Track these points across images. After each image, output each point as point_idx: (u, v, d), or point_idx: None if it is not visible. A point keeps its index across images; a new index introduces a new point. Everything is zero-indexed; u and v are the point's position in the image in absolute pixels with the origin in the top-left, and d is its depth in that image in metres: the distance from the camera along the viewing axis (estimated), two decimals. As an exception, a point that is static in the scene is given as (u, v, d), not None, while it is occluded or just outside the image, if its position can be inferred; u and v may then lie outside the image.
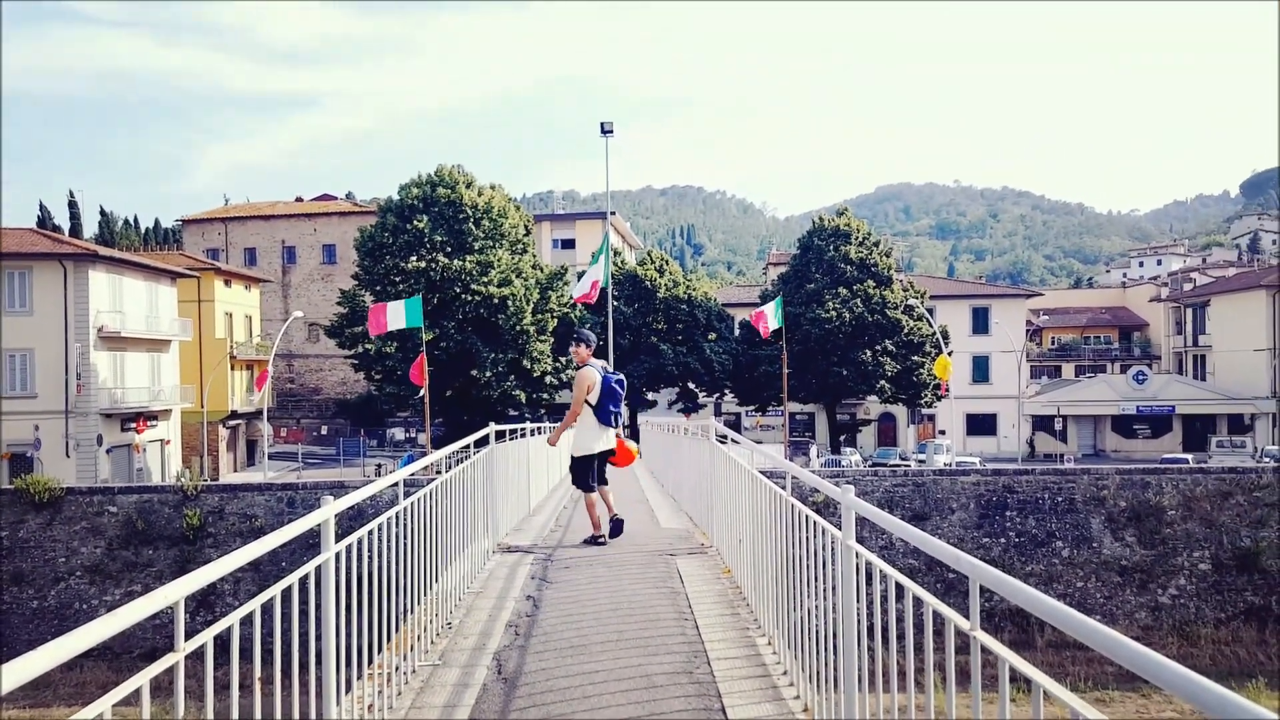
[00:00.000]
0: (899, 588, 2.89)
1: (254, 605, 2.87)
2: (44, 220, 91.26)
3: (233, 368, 50.90)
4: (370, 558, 4.01)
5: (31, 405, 37.01)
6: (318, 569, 3.34)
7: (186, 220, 74.97)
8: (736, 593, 6.17)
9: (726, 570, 6.87)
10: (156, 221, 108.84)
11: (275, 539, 2.93)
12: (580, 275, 50.53)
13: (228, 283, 53.14)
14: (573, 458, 8.79)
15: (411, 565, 4.94)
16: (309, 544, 3.48)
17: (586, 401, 8.60)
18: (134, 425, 40.16)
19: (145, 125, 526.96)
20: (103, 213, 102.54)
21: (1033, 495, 29.22)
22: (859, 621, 3.40)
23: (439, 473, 6.83)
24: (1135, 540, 28.67)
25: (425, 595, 5.34)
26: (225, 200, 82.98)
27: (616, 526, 8.65)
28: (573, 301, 35.90)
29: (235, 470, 51.14)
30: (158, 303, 42.90)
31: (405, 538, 4.86)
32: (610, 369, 9.02)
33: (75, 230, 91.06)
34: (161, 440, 43.04)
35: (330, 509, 3.32)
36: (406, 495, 4.74)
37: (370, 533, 4.10)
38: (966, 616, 2.43)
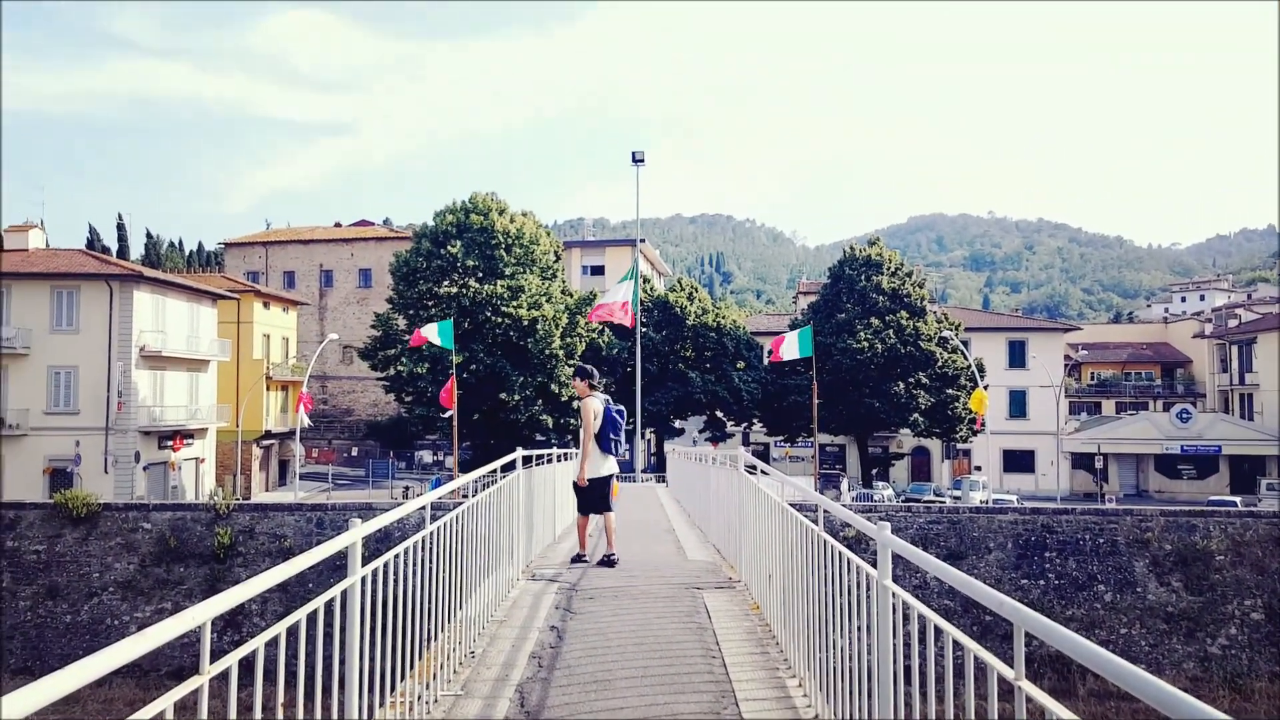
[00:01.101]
0: (938, 631, 2.76)
1: (279, 629, 2.83)
2: (93, 242, 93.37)
3: (268, 388, 51.51)
4: (396, 582, 3.95)
5: (73, 421, 37.65)
6: (343, 593, 3.29)
7: (228, 243, 76.31)
8: (765, 630, 6.02)
9: (755, 606, 6.71)
10: (200, 244, 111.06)
11: (302, 561, 2.88)
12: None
13: (266, 305, 53.90)
14: (574, 484, 9.28)
15: (437, 591, 4.87)
16: (335, 565, 3.45)
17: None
18: (170, 443, 40.67)
19: (189, 150, 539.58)
20: (149, 235, 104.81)
21: (1073, 536, 28.53)
22: (895, 665, 3.27)
23: (465, 497, 6.78)
24: (1182, 586, 27.83)
25: (450, 622, 5.26)
26: (266, 224, 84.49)
27: (607, 561, 8.92)
28: (591, 322, 35.96)
29: (267, 489, 51.58)
30: (198, 323, 43.57)
31: (431, 563, 4.80)
32: (611, 401, 9.57)
33: (123, 252, 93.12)
34: (196, 458, 43.53)
35: (358, 532, 3.27)
36: (433, 519, 4.67)
37: (396, 557, 4.04)
38: (1009, 664, 2.31)
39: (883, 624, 3.28)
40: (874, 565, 3.47)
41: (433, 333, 29.06)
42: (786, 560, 5.30)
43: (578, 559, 9.06)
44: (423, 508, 4.59)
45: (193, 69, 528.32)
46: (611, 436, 9.19)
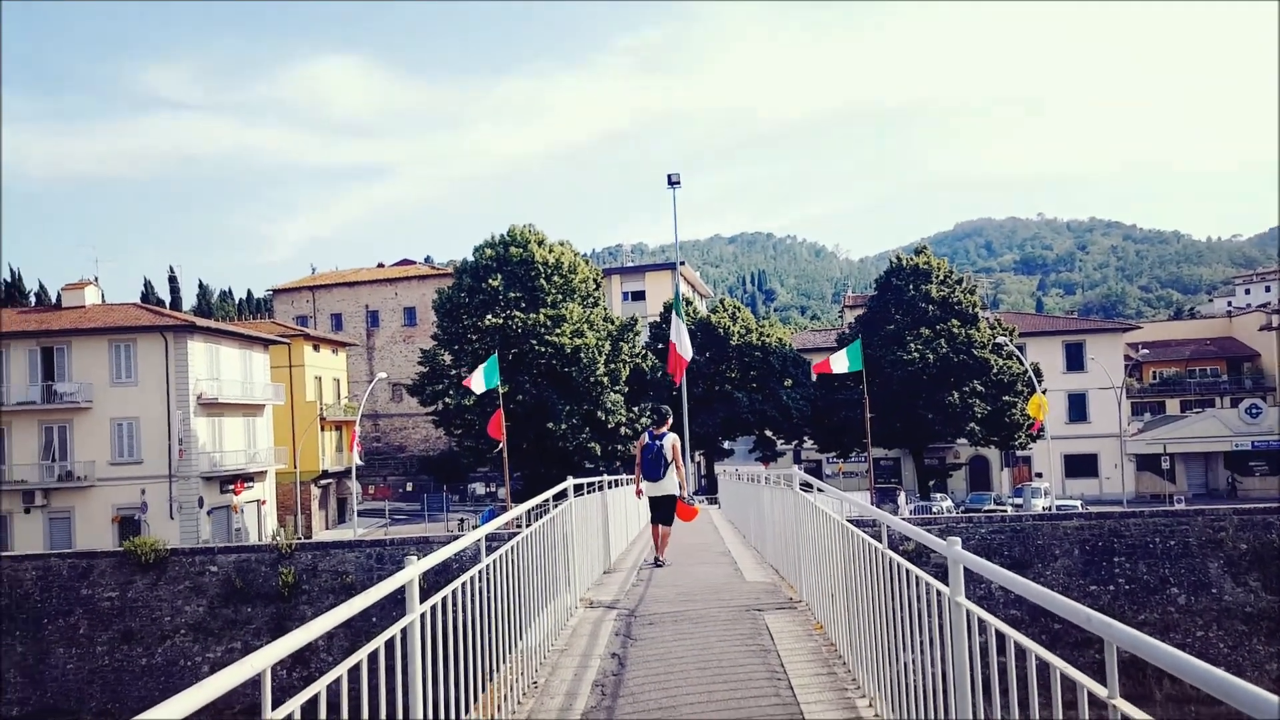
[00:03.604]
0: (1019, 650, 2.66)
1: (341, 670, 2.83)
2: (147, 295, 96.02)
3: (323, 429, 52.33)
4: (455, 615, 3.94)
5: (138, 470, 38.60)
6: (403, 631, 3.27)
7: (276, 290, 77.95)
8: (831, 650, 5.89)
9: (818, 626, 6.58)
10: (249, 292, 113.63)
11: (359, 603, 2.90)
12: (651, 326, 50.75)
13: (316, 348, 54.87)
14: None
15: (497, 622, 4.85)
16: (397, 599, 3.45)
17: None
18: (232, 487, 41.46)
19: (234, 201, 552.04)
20: (200, 286, 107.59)
21: (1142, 539, 27.73)
22: (972, 684, 3.16)
23: (519, 527, 6.77)
24: (1260, 585, 26.88)
25: (510, 653, 5.23)
26: (312, 269, 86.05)
27: (655, 562, 11.43)
28: (676, 383, 36.14)
29: (327, 527, 52.26)
30: (251, 369, 44.47)
31: (489, 594, 4.78)
32: (660, 431, 11.71)
33: (175, 303, 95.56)
34: (258, 500, 44.30)
35: (414, 570, 3.25)
36: (488, 552, 4.66)
37: (455, 591, 4.03)
38: (1098, 679, 2.20)
39: (958, 642, 3.17)
40: (945, 582, 3.36)
41: (478, 380, 29.96)
42: (849, 578, 5.19)
43: (655, 563, 11.37)
44: (479, 540, 4.58)
45: (231, 122, 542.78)
46: (649, 464, 11.47)
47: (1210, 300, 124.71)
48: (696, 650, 6.03)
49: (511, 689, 4.94)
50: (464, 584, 4.09)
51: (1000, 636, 2.78)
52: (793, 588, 8.46)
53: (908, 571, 3.83)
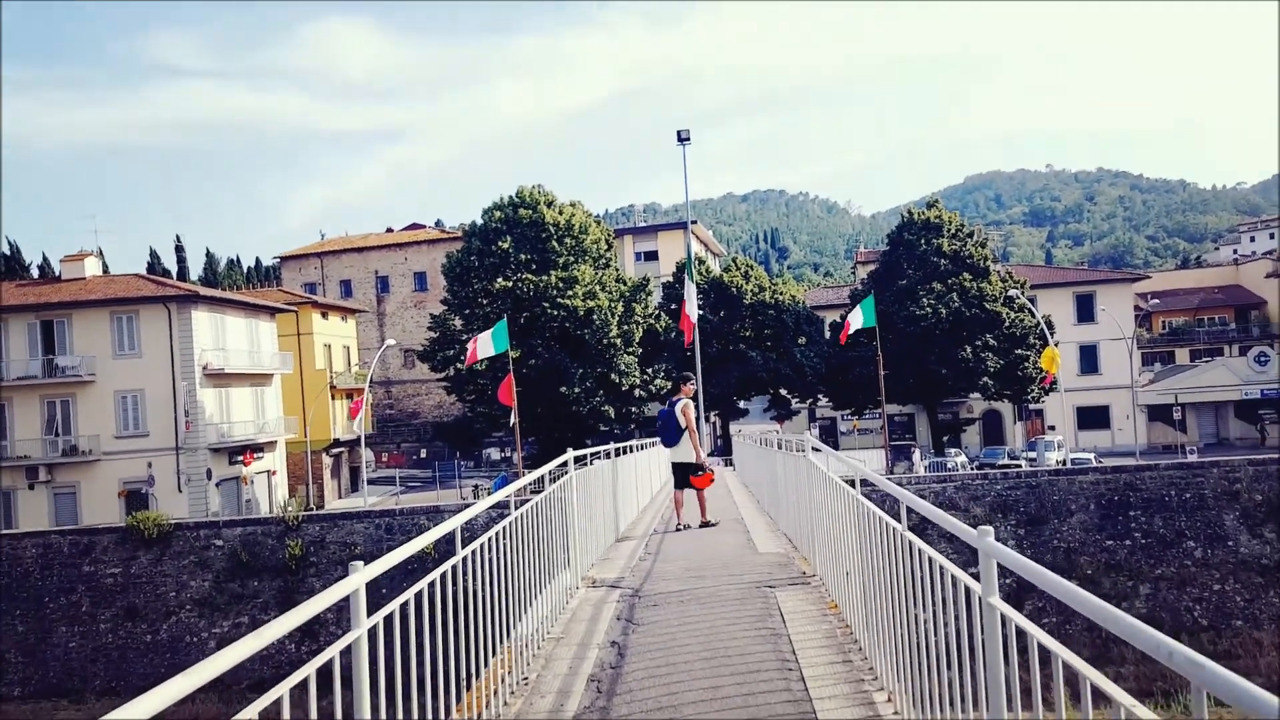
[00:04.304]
0: (1069, 672, 2.22)
1: (281, 690, 2.42)
2: (153, 266, 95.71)
3: (333, 397, 52.13)
4: (435, 610, 3.54)
5: (144, 444, 38.44)
6: (349, 648, 2.84)
7: (284, 257, 77.47)
8: (846, 633, 5.48)
9: (833, 605, 6.17)
10: (257, 260, 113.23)
11: (309, 609, 2.49)
12: (664, 286, 50.14)
13: (324, 315, 54.51)
14: None
15: (482, 615, 4.46)
16: (409, 569, 3.07)
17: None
18: (241, 458, 41.35)
19: (244, 169, 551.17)
20: (208, 255, 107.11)
21: (1158, 492, 27.33)
22: (1006, 691, 2.74)
23: (536, 491, 6.38)
24: (1276, 537, 26.50)
25: (501, 646, 4.84)
26: (321, 235, 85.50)
27: (676, 528, 11.54)
28: (686, 346, 35.39)
29: (340, 497, 52.30)
30: (258, 338, 44.15)
31: (471, 586, 4.38)
32: (676, 397, 11.88)
33: (182, 274, 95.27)
34: (268, 471, 44.22)
35: (360, 576, 2.80)
36: (465, 543, 4.23)
37: (422, 591, 3.63)
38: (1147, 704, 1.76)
39: (990, 648, 2.74)
40: (977, 579, 2.93)
41: (486, 344, 28.81)
42: (865, 559, 4.76)
43: (677, 529, 11.50)
44: (454, 530, 4.14)
45: (242, 89, 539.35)
46: (661, 432, 11.94)
47: (1216, 248, 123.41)
48: (703, 636, 5.62)
49: (498, 689, 4.55)
50: (429, 584, 3.67)
51: (1042, 649, 2.35)
52: (806, 560, 8.05)
53: (930, 560, 3.38)
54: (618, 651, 5.45)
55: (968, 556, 2.87)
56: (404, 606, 3.35)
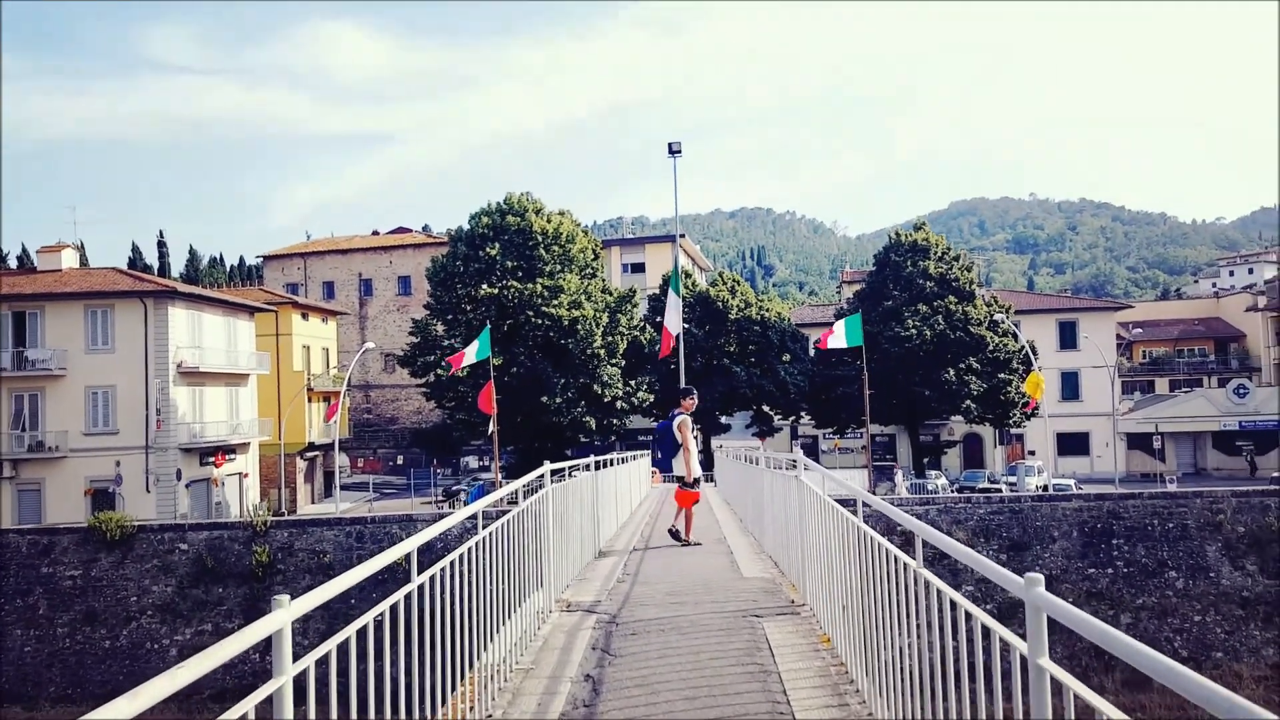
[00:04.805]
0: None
1: None
2: (135, 261, 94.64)
3: (310, 400, 51.33)
4: (373, 653, 3.08)
5: (113, 441, 37.54)
6: (270, 698, 2.37)
7: (267, 256, 76.60)
8: (840, 672, 5.04)
9: (825, 639, 5.73)
10: (241, 259, 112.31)
11: (210, 660, 2.07)
12: (650, 298, 49.78)
13: (305, 316, 53.74)
14: None
15: (445, 642, 4.00)
16: (379, 579, 2.60)
17: None
18: (213, 459, 40.50)
19: (231, 167, 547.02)
20: (190, 252, 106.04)
21: (1140, 521, 27.10)
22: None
23: (513, 503, 5.94)
24: (1257, 569, 26.32)
25: (463, 677, 4.38)
26: (307, 236, 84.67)
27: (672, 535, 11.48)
28: (661, 356, 35.32)
29: (313, 501, 51.44)
30: (236, 337, 43.39)
31: (440, 606, 3.92)
32: (675, 411, 11.57)
33: (163, 269, 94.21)
34: (240, 473, 43.38)
35: (284, 615, 2.32)
36: (421, 569, 3.77)
37: (378, 619, 3.17)
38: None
39: (1036, 714, 2.31)
40: (998, 621, 2.50)
41: (471, 352, 29.42)
42: (867, 591, 4.33)
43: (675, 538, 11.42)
44: (409, 554, 3.68)
45: (233, 86, 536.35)
46: (655, 451, 11.91)
47: (1196, 281, 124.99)
48: (685, 671, 5.16)
49: (458, 730, 4.08)
50: (375, 618, 3.20)
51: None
52: (794, 587, 7.60)
53: (967, 613, 2.89)
54: (592, 687, 4.98)
55: (970, 583, 2.44)
56: (346, 644, 2.89)
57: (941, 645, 3.03)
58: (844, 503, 5.51)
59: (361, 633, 3.03)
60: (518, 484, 6.13)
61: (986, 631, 2.70)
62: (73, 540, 26.22)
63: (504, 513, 5.63)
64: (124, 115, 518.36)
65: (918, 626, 3.36)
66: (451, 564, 4.10)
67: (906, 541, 3.65)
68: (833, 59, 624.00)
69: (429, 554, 4.43)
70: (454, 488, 46.89)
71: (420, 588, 3.75)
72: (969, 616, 2.82)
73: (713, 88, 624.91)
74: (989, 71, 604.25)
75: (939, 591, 3.14)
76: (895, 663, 3.76)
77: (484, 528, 4.79)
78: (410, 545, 3.51)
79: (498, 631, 5.02)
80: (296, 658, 2.54)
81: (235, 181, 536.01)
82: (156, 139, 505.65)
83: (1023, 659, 2.37)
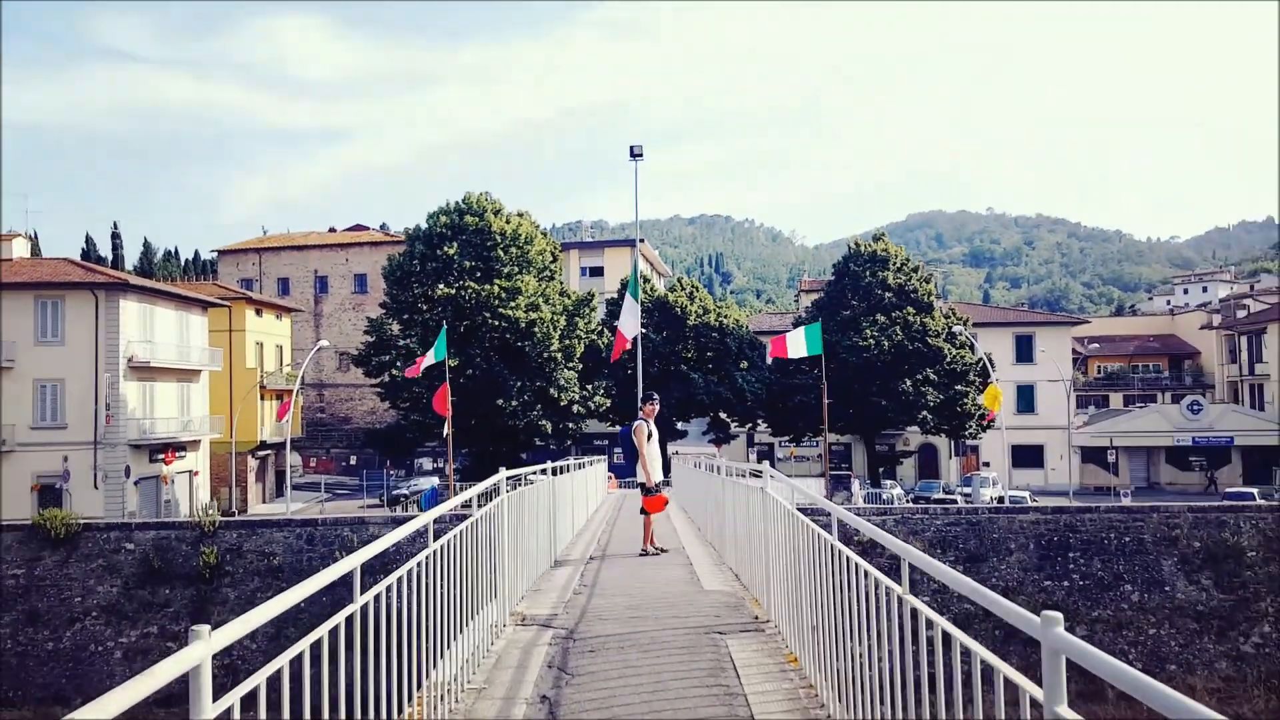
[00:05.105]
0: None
1: None
2: (88, 253, 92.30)
3: (263, 397, 50.30)
4: (307, 682, 2.79)
5: (61, 436, 36.46)
6: None
7: (222, 251, 75.13)
8: (810, 694, 4.82)
9: (792, 658, 5.51)
10: (196, 253, 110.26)
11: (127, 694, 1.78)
12: (608, 302, 49.52)
13: (259, 312, 52.70)
14: None
15: (390, 661, 3.70)
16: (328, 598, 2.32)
17: None
18: (162, 456, 39.48)
19: (187, 160, 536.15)
20: (145, 245, 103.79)
21: (1097, 535, 27.37)
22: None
23: (468, 508, 5.65)
24: (1212, 584, 26.69)
25: (410, 699, 4.08)
26: (263, 231, 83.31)
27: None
28: (615, 359, 35.21)
29: (264, 501, 50.39)
30: (188, 332, 42.39)
31: (382, 627, 3.63)
32: (642, 417, 11.63)
33: (117, 262, 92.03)
34: (190, 471, 42.35)
35: (205, 646, 2.03)
36: (366, 587, 3.47)
37: (314, 645, 2.88)
38: None
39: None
40: (995, 654, 2.29)
41: (429, 357, 29.38)
42: (842, 615, 4.11)
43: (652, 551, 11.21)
44: (353, 570, 3.38)
45: (188, 78, 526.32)
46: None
47: (1150, 299, 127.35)
48: (646, 693, 4.90)
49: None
50: (310, 644, 2.91)
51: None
52: (757, 602, 7.38)
53: (967, 650, 2.62)
54: (549, 710, 4.70)
55: (927, 594, 2.22)
56: (279, 674, 2.60)
57: (930, 676, 2.80)
58: (811, 515, 5.29)
59: (297, 660, 2.74)
60: (472, 491, 5.85)
61: (986, 669, 2.48)
62: (16, 538, 25.29)
63: (461, 518, 5.34)
64: (77, 104, 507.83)
65: (902, 656, 3.15)
66: (399, 579, 3.81)
67: (893, 567, 3.43)
68: (792, 69, 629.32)
69: (380, 560, 4.13)
70: (396, 492, 45.45)
71: (364, 607, 3.47)
72: (966, 653, 2.60)
73: (673, 94, 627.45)
74: (947, 85, 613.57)
75: (928, 620, 2.92)
76: (874, 692, 3.54)
77: (435, 539, 4.50)
78: (353, 562, 3.22)
79: (448, 648, 4.73)
80: (223, 691, 2.25)
81: (190, 174, 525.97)
82: (111, 129, 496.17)
83: (1033, 700, 2.16)
